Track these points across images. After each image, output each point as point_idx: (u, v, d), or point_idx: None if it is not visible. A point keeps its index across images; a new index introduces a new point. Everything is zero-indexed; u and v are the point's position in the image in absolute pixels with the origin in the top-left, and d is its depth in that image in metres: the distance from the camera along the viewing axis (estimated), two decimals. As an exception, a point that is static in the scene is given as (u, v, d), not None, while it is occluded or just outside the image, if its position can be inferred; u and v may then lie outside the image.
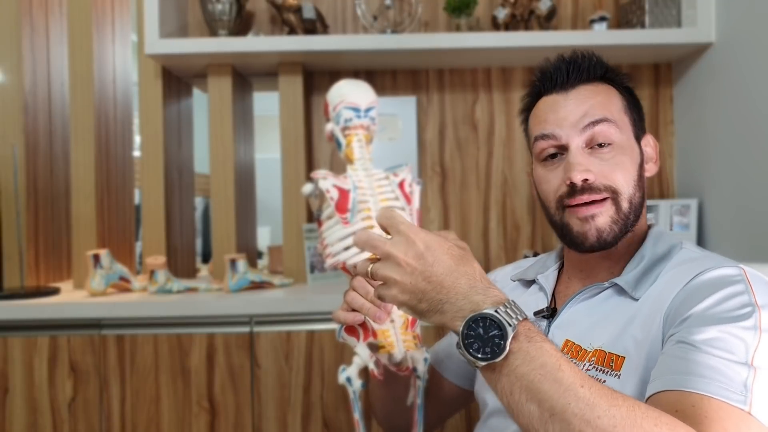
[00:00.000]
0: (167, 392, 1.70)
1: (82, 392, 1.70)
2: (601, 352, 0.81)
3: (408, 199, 0.85)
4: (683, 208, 2.02)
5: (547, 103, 0.93)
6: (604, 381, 0.77)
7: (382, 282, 0.69)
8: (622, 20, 2.13)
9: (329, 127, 0.88)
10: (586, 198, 0.85)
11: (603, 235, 0.85)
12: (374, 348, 0.85)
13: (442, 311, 0.65)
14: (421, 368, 0.89)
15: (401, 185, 0.87)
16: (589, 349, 0.82)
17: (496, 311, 0.63)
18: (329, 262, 0.82)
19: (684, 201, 2.02)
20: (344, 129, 0.87)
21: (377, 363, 0.85)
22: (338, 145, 0.88)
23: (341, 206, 0.82)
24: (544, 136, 0.91)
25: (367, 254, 0.75)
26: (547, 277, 0.98)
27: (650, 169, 0.93)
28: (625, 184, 0.86)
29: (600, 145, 0.87)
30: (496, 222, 2.23)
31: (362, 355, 0.84)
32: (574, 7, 2.21)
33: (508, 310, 0.64)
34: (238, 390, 1.71)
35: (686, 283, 0.79)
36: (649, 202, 2.05)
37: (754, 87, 1.71)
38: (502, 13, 2.07)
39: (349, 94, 0.86)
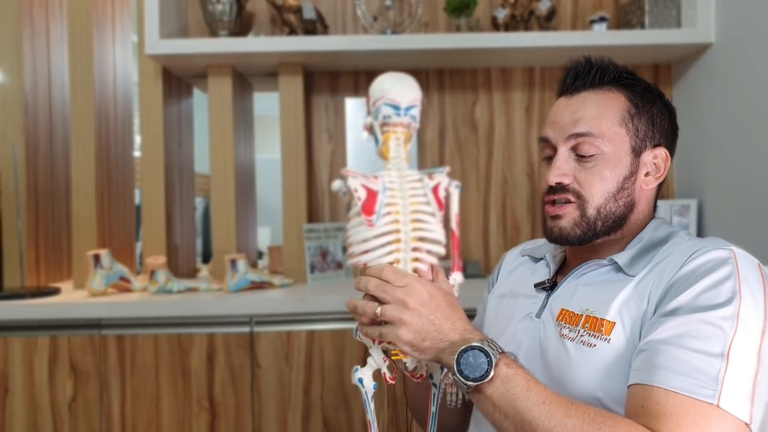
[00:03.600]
0: (167, 392, 1.70)
1: (83, 392, 1.70)
2: (593, 318, 0.85)
3: (440, 204, 0.84)
4: (683, 208, 2.02)
5: (556, 105, 0.97)
6: (595, 345, 0.83)
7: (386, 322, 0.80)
8: (622, 21, 2.13)
9: (368, 120, 0.86)
10: (554, 197, 0.93)
11: (563, 233, 0.92)
12: (387, 352, 0.85)
13: (441, 348, 0.79)
14: (438, 377, 0.89)
15: (435, 189, 0.84)
16: (581, 314, 0.87)
17: (482, 344, 0.77)
18: (350, 261, 0.84)
19: (684, 201, 2.02)
20: (383, 125, 0.85)
21: (391, 367, 0.85)
22: (375, 141, 0.86)
23: (368, 208, 0.82)
24: (542, 139, 0.96)
25: (386, 259, 0.83)
26: (556, 256, 1.02)
27: (649, 182, 0.94)
28: (597, 194, 0.90)
29: (582, 156, 0.91)
30: (496, 222, 2.24)
31: (376, 358, 0.84)
32: (573, 7, 2.21)
33: (491, 344, 0.77)
34: (238, 390, 1.71)
35: (680, 266, 0.82)
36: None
37: (754, 87, 1.71)
38: (502, 14, 2.07)
39: (391, 90, 0.84)
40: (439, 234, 0.84)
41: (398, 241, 0.82)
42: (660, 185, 0.96)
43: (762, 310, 0.77)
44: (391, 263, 0.83)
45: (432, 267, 0.85)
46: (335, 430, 1.72)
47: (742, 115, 1.77)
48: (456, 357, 0.76)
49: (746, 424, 0.71)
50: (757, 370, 0.73)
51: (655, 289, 0.82)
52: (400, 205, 0.83)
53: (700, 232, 2.00)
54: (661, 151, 0.94)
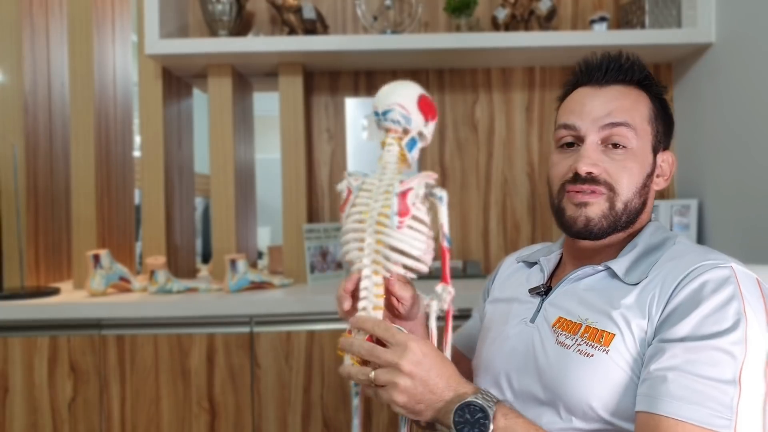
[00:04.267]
0: (167, 392, 1.70)
1: (82, 392, 1.70)
2: (593, 329, 0.84)
3: (404, 212, 0.79)
4: (683, 208, 2.02)
5: (579, 93, 0.95)
6: (593, 355, 0.82)
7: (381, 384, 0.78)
8: (622, 20, 2.13)
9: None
10: (585, 187, 0.89)
11: (590, 224, 0.89)
12: None
13: (437, 409, 0.78)
14: None
15: (403, 195, 0.79)
16: (580, 324, 0.86)
17: (476, 398, 0.76)
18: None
19: (684, 201, 2.02)
20: (382, 131, 0.85)
21: None
22: None
23: (342, 206, 0.83)
24: (566, 126, 0.94)
25: (349, 256, 0.82)
26: (549, 260, 1.01)
27: (659, 184, 0.95)
28: (626, 188, 0.89)
29: (614, 146, 0.90)
30: (496, 222, 2.24)
31: None
32: (574, 7, 2.21)
33: (485, 396, 0.77)
34: (238, 390, 1.71)
35: (679, 283, 0.80)
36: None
37: (754, 87, 1.71)
38: (502, 14, 2.07)
39: (375, 98, 0.85)
40: (411, 245, 0.80)
41: (361, 240, 0.81)
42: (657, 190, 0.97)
43: (765, 329, 0.76)
44: (357, 268, 0.81)
45: (390, 278, 0.82)
46: (335, 430, 1.72)
47: (742, 115, 1.77)
48: (452, 417, 0.75)
49: None
50: (766, 393, 0.73)
51: (655, 307, 0.81)
52: (372, 207, 0.80)
53: (700, 232, 2.00)
54: (669, 156, 0.95)
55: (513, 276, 1.07)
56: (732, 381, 0.71)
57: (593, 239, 0.91)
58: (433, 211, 0.81)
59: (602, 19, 2.04)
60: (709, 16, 1.91)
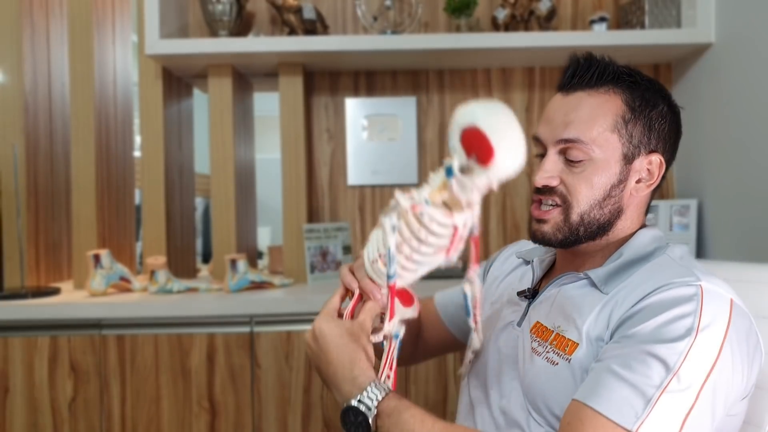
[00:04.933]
0: (167, 392, 1.70)
1: (83, 392, 1.70)
2: (560, 337, 0.85)
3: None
4: (683, 208, 2.02)
5: (551, 102, 0.94)
6: (558, 363, 0.83)
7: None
8: (622, 21, 2.13)
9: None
10: (541, 197, 0.91)
11: (546, 238, 0.91)
12: None
13: (333, 392, 0.83)
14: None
15: None
16: (552, 331, 0.87)
17: (358, 401, 0.78)
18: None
19: (684, 201, 2.02)
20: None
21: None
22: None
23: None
24: (534, 138, 0.94)
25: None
26: (542, 261, 1.01)
27: (639, 189, 0.90)
28: (583, 200, 0.88)
29: (571, 161, 0.89)
30: (496, 222, 2.24)
31: None
32: (574, 7, 2.21)
33: (369, 394, 0.78)
34: (238, 390, 1.71)
35: (643, 297, 0.80)
36: (648, 203, 2.06)
37: (753, 87, 1.71)
38: (502, 14, 2.07)
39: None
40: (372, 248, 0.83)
41: None
42: (654, 191, 0.93)
43: (716, 350, 0.74)
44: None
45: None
46: (335, 430, 1.72)
47: (742, 115, 1.77)
48: (341, 418, 0.79)
49: None
50: (692, 406, 0.72)
51: (616, 314, 0.81)
52: None
53: (700, 232, 2.00)
54: (656, 158, 0.90)
55: (510, 275, 1.07)
56: (657, 386, 0.72)
57: (559, 248, 0.93)
58: None
59: (602, 19, 2.04)
60: (709, 16, 1.91)
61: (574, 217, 0.88)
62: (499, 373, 0.92)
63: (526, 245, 1.12)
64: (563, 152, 0.89)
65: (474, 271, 0.86)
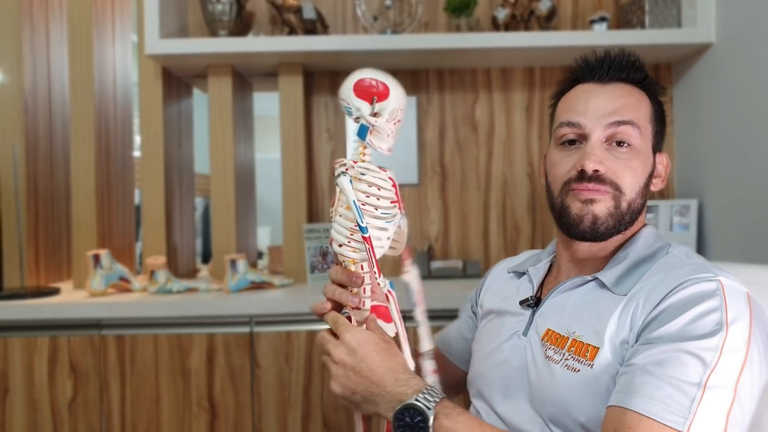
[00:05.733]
0: (167, 392, 1.70)
1: (82, 392, 1.70)
2: (578, 343, 0.83)
3: (332, 202, 0.87)
4: (683, 208, 2.02)
5: (581, 90, 0.93)
6: (579, 370, 0.81)
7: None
8: (622, 21, 2.13)
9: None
10: (591, 186, 0.87)
11: (597, 223, 0.87)
12: None
13: (375, 402, 0.78)
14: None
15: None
16: (568, 337, 0.85)
17: (416, 400, 0.75)
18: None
19: (684, 201, 2.02)
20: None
21: None
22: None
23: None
24: (569, 123, 0.91)
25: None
26: (538, 270, 1.00)
27: (656, 185, 0.93)
28: (631, 187, 0.88)
29: (619, 144, 0.88)
30: (496, 222, 2.24)
31: None
32: (574, 7, 2.21)
33: (426, 395, 0.76)
34: (238, 390, 1.71)
35: (665, 295, 0.80)
36: (649, 203, 2.05)
37: (754, 87, 1.71)
38: (502, 14, 2.07)
39: None
40: (337, 233, 0.85)
41: None
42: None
43: (745, 343, 0.75)
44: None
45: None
46: (335, 430, 1.72)
47: (742, 115, 1.77)
48: (393, 419, 0.75)
49: None
50: (732, 403, 0.72)
51: (639, 315, 0.80)
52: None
53: (700, 232, 2.00)
54: (665, 157, 0.94)
55: (504, 287, 1.05)
56: (697, 384, 0.71)
57: (597, 240, 0.89)
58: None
59: (602, 19, 2.04)
60: (709, 16, 1.91)
61: (624, 204, 0.88)
62: (506, 385, 0.90)
63: (514, 260, 1.11)
64: (609, 138, 0.89)
65: (410, 261, 0.88)
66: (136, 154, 2.40)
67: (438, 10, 2.20)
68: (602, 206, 0.87)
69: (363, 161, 0.83)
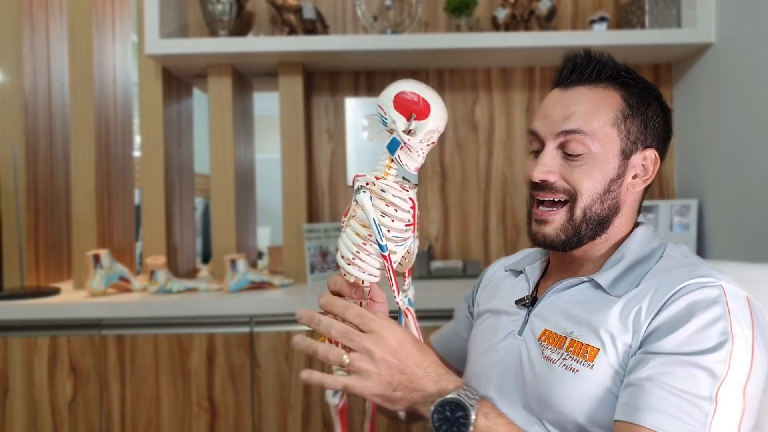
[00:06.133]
0: (167, 392, 1.70)
1: (82, 392, 1.70)
2: (577, 343, 0.83)
3: (345, 212, 0.84)
4: (683, 208, 2.02)
5: (548, 97, 0.94)
6: (578, 371, 0.81)
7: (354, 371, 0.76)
8: (622, 21, 2.13)
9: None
10: (542, 195, 0.89)
11: (548, 240, 0.90)
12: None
13: (415, 399, 0.76)
14: None
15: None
16: (565, 337, 0.85)
17: (458, 395, 0.74)
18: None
19: (684, 201, 2.02)
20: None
21: None
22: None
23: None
24: (531, 132, 0.93)
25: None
26: (534, 269, 1.00)
27: (635, 185, 0.90)
28: (587, 192, 0.87)
29: (570, 153, 0.88)
30: (496, 222, 2.24)
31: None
32: (574, 7, 2.21)
33: (467, 393, 0.75)
34: (238, 390, 1.71)
35: (667, 299, 0.79)
36: (649, 203, 2.06)
37: (754, 87, 1.71)
38: (502, 14, 2.07)
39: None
40: (344, 246, 0.81)
41: None
42: (647, 188, 0.93)
43: (749, 350, 0.75)
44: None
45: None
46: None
47: (742, 115, 1.77)
48: (432, 413, 0.74)
49: None
50: (743, 412, 0.73)
51: (641, 320, 0.80)
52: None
53: (700, 232, 2.00)
54: (651, 153, 0.91)
55: (500, 285, 1.05)
56: (708, 398, 0.71)
57: (560, 250, 0.91)
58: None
59: (602, 19, 2.04)
60: (709, 16, 1.91)
61: (578, 212, 0.87)
62: (501, 384, 0.90)
63: (511, 259, 1.11)
64: (562, 146, 0.88)
65: (409, 279, 0.85)
66: (136, 154, 2.40)
67: (438, 10, 2.20)
68: (551, 227, 0.89)
69: (387, 176, 0.79)
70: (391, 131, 0.79)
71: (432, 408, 0.74)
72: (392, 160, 0.79)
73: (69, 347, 1.70)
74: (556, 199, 0.89)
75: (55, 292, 1.89)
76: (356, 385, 0.75)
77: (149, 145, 2.09)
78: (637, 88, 0.91)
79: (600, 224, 0.89)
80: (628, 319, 0.81)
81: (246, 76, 2.24)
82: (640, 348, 0.78)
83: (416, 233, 0.82)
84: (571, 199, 0.88)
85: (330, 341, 0.79)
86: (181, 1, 2.16)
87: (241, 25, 2.13)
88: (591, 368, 0.80)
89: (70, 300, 1.76)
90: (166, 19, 1.98)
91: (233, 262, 1.84)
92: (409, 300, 0.84)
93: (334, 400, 0.82)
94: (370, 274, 0.80)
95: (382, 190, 0.78)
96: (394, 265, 0.80)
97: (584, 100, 0.89)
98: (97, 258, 1.83)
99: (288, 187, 2.06)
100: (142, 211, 2.12)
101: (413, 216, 0.79)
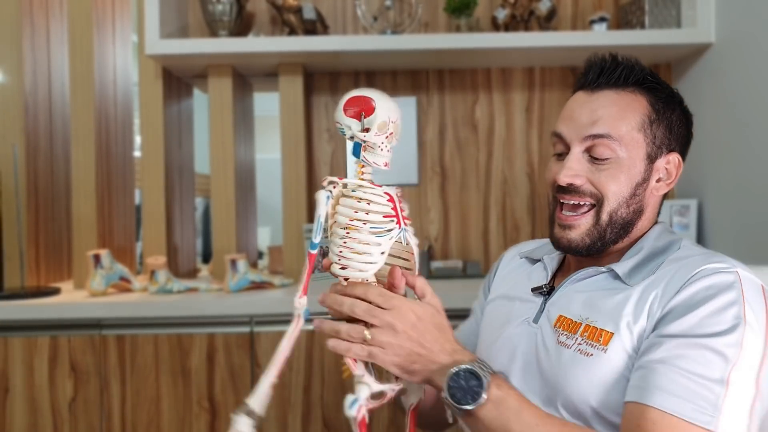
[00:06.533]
0: (167, 392, 1.70)
1: (83, 392, 1.70)
2: (592, 328, 0.84)
3: None
4: (683, 208, 2.02)
5: (574, 99, 0.93)
6: (592, 354, 0.82)
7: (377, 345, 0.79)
8: (622, 21, 2.13)
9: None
10: (568, 198, 0.90)
11: (572, 245, 0.90)
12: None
13: (432, 370, 0.78)
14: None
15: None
16: (580, 323, 0.86)
17: (472, 366, 0.76)
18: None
19: (684, 201, 2.02)
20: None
21: (377, 395, 0.84)
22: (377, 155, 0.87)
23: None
24: (556, 135, 0.93)
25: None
26: (553, 259, 1.00)
27: (660, 189, 0.91)
28: (612, 197, 0.88)
29: (598, 157, 0.88)
30: (496, 222, 2.24)
31: (369, 382, 0.82)
32: (574, 7, 2.21)
33: (482, 366, 0.77)
34: (238, 390, 1.71)
35: (683, 284, 0.80)
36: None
37: (753, 87, 1.71)
38: (502, 14, 2.07)
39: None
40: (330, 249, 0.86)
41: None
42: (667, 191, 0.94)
43: (763, 336, 0.76)
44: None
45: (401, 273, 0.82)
46: (335, 430, 1.72)
47: (742, 115, 1.77)
48: (447, 380, 0.76)
49: None
50: (754, 397, 0.73)
51: (656, 305, 0.81)
52: None
53: (700, 232, 2.00)
54: (674, 157, 0.92)
55: (515, 272, 1.06)
56: (720, 381, 0.72)
57: (584, 255, 0.91)
58: None
59: (602, 19, 2.04)
60: (709, 16, 1.91)
61: (604, 216, 0.88)
62: (512, 369, 0.91)
63: (527, 246, 1.12)
64: (588, 150, 0.89)
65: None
66: (137, 154, 2.40)
67: (438, 10, 2.20)
68: (577, 232, 0.89)
69: (362, 179, 0.83)
70: (352, 138, 0.83)
71: (447, 377, 0.76)
72: (362, 165, 0.83)
73: (69, 347, 1.70)
74: (581, 203, 0.89)
75: (56, 292, 1.89)
76: (378, 354, 0.78)
77: (149, 145, 2.10)
78: (663, 93, 0.92)
79: (624, 228, 0.90)
80: (644, 305, 0.82)
81: (246, 77, 2.24)
82: (653, 331, 0.79)
83: (405, 225, 0.82)
84: (598, 203, 0.88)
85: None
86: (182, 1, 2.16)
87: (241, 25, 2.13)
88: (605, 352, 0.81)
89: (71, 300, 1.76)
90: (166, 19, 1.98)
91: (233, 262, 1.84)
92: (306, 310, 0.86)
93: (351, 413, 0.82)
94: (360, 270, 0.81)
95: (352, 191, 0.82)
96: (383, 257, 0.81)
97: (611, 104, 0.89)
98: (97, 258, 1.83)
99: (288, 187, 2.06)
100: (142, 211, 2.13)
101: (394, 208, 0.81)
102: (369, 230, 0.80)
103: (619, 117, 0.88)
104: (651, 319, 0.80)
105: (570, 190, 0.89)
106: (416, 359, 0.78)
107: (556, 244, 0.92)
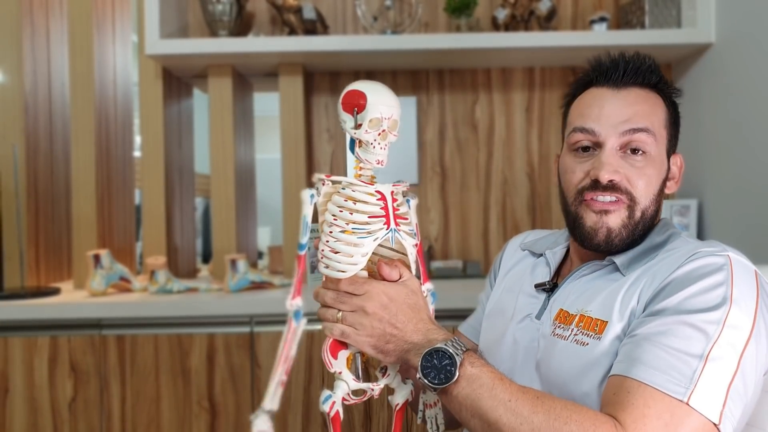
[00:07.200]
0: (167, 392, 1.70)
1: (83, 392, 1.70)
2: (586, 318, 0.85)
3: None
4: (683, 208, 2.02)
5: (595, 94, 0.91)
6: (587, 344, 0.83)
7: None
8: (622, 21, 2.13)
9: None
10: (605, 195, 0.87)
11: (612, 235, 0.87)
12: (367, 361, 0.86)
13: (405, 350, 0.79)
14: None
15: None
16: (575, 314, 0.87)
17: (445, 345, 0.76)
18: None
19: (684, 201, 2.02)
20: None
21: (358, 392, 0.84)
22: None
23: None
24: (583, 130, 0.90)
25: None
26: (555, 254, 1.00)
27: (670, 187, 0.93)
28: (645, 196, 0.88)
29: (634, 151, 0.88)
30: (496, 222, 2.24)
31: (346, 379, 0.83)
32: (574, 7, 2.21)
33: (454, 344, 0.77)
34: (238, 390, 1.71)
35: (674, 268, 0.81)
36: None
37: (753, 87, 1.71)
38: (502, 14, 2.07)
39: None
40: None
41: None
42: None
43: (751, 319, 0.76)
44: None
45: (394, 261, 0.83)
46: (335, 430, 1.72)
47: (741, 115, 1.77)
48: (420, 360, 0.76)
49: (714, 424, 0.71)
50: (734, 375, 0.73)
51: (647, 288, 0.82)
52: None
53: (700, 232, 2.00)
54: (679, 158, 0.94)
55: (518, 265, 1.06)
56: (699, 356, 0.73)
57: (614, 252, 0.89)
58: None
59: (602, 19, 2.04)
60: (709, 16, 1.91)
61: (638, 213, 0.88)
62: (513, 365, 0.92)
63: (528, 236, 1.12)
64: (624, 145, 0.88)
65: (427, 284, 0.87)
66: (137, 154, 2.40)
67: (438, 10, 2.20)
68: (616, 218, 0.87)
69: (359, 176, 0.81)
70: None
71: (421, 356, 0.76)
72: (358, 161, 0.82)
73: (69, 347, 1.70)
74: (618, 198, 0.87)
75: (56, 292, 1.89)
76: (351, 334, 0.80)
77: (149, 145, 2.10)
78: (674, 96, 0.94)
79: (648, 224, 0.90)
80: (635, 289, 0.83)
81: (246, 77, 2.24)
82: (644, 311, 0.80)
83: (396, 226, 0.81)
84: (632, 201, 0.87)
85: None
86: (181, 1, 2.16)
87: (241, 25, 2.13)
88: (599, 340, 0.82)
89: (71, 300, 1.76)
90: (166, 19, 1.98)
91: (233, 262, 1.84)
92: (298, 311, 0.84)
93: (324, 408, 0.82)
94: (340, 270, 0.81)
95: (342, 189, 0.80)
96: (365, 259, 0.80)
97: (642, 101, 0.89)
98: (97, 258, 1.83)
99: (288, 187, 2.06)
100: (142, 211, 2.13)
101: (384, 208, 0.80)
102: (351, 231, 0.80)
103: (651, 113, 0.89)
104: (641, 302, 0.81)
105: (606, 187, 0.87)
106: (389, 339, 0.79)
107: (592, 237, 0.88)
